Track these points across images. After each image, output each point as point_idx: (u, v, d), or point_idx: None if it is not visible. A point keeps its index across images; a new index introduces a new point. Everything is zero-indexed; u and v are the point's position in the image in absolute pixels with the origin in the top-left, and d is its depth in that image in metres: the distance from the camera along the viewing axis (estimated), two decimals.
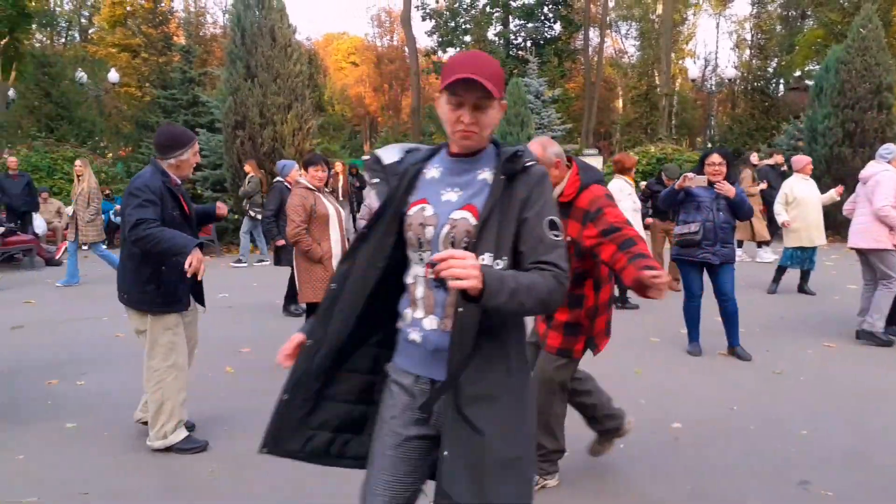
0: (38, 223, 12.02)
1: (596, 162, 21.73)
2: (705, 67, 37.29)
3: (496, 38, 31.18)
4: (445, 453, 1.55)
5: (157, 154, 3.71)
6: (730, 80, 26.48)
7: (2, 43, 28.25)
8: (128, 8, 29.44)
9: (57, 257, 11.29)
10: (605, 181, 2.98)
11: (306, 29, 74.39)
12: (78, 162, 9.11)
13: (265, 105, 12.24)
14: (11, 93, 24.67)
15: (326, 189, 5.35)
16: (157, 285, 3.55)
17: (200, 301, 3.94)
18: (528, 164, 1.66)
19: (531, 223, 1.61)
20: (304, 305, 5.34)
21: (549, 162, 2.85)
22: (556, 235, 1.61)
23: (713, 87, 33.17)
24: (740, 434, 3.98)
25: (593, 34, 33.65)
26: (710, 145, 24.72)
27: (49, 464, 3.62)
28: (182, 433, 3.72)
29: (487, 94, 1.59)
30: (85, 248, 9.56)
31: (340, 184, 13.77)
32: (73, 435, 4.01)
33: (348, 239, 5.36)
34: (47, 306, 7.81)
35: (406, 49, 38.36)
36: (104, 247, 9.27)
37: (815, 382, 4.95)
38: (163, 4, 24.43)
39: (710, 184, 5.26)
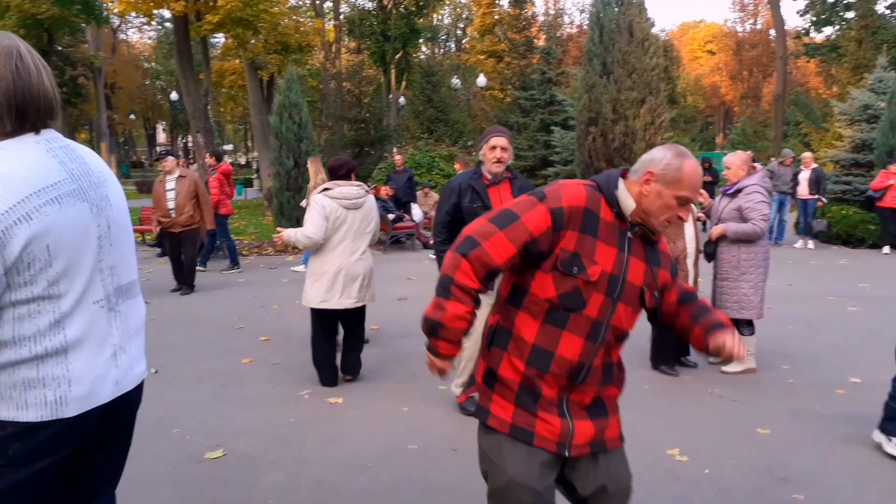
0: (416, 212, 13.90)
1: None
2: None
3: (888, 11, 26.53)
4: None
5: None
6: None
7: (396, 57, 33.30)
8: (496, 17, 32.25)
9: (432, 242, 12.99)
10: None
11: (661, 20, 72.69)
12: (309, 160, 10.28)
13: (618, 101, 12.31)
14: (402, 100, 29.00)
15: None
16: None
17: None
18: None
19: None
20: None
21: None
22: None
23: None
24: None
25: None
26: None
27: (427, 418, 4.24)
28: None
29: None
30: None
31: None
32: (445, 395, 4.62)
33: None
34: (426, 282, 9.06)
35: (772, 32, 34.94)
36: None
37: None
38: (526, 10, 26.09)
39: None
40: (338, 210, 4.68)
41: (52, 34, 27.56)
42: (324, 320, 4.83)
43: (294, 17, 24.38)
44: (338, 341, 5.05)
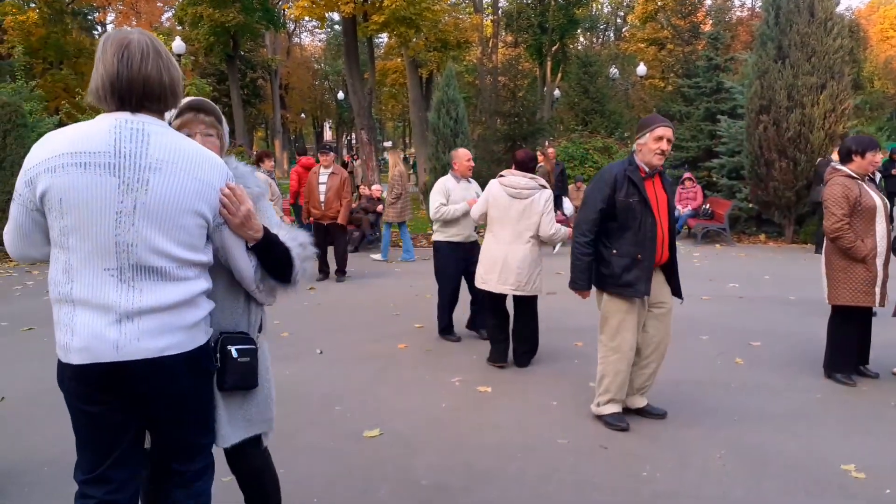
0: (567, 206, 13.68)
1: None
2: None
3: None
4: None
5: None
6: None
7: (553, 49, 32.95)
8: (658, 3, 30.90)
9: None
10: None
11: None
12: (389, 153, 10.42)
13: (795, 86, 11.37)
14: (556, 92, 28.68)
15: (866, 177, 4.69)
16: (606, 266, 3.84)
17: (676, 293, 4.01)
18: None
19: None
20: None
21: None
22: None
23: None
24: None
25: None
26: None
27: (576, 414, 4.19)
28: (612, 408, 3.97)
29: None
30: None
31: None
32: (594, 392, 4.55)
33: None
34: None
35: None
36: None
37: None
38: None
39: None
40: (501, 196, 4.98)
41: (237, 40, 30.25)
42: (490, 301, 5.17)
43: (454, 14, 24.91)
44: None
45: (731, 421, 4.03)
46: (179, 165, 1.84)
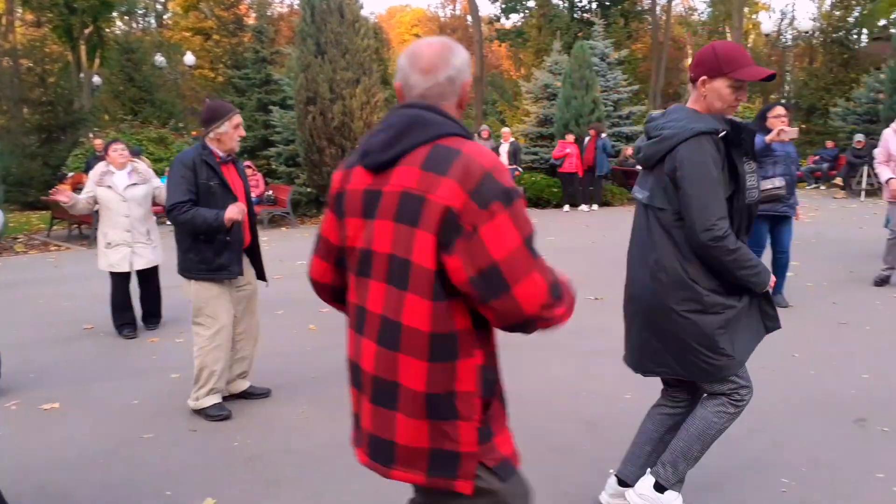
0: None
1: None
2: (781, 21, 35.42)
3: (560, 2, 30.69)
4: None
5: (203, 129, 3.84)
6: (806, 32, 24.98)
7: (86, 32, 29.75)
8: None
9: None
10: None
11: (370, 3, 74.88)
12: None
13: (335, 80, 12.59)
14: (96, 79, 26.07)
15: None
16: (196, 252, 3.71)
17: (260, 276, 4.04)
18: None
19: None
20: None
21: None
22: None
23: (788, 42, 31.62)
24: (800, 378, 4.11)
25: None
26: (783, 101, 23.58)
27: (161, 408, 4.08)
28: (213, 399, 3.86)
29: None
30: None
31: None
32: (178, 385, 4.48)
33: None
34: None
35: (469, 18, 38.18)
36: None
37: (880, 331, 4.98)
38: None
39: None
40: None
41: None
42: (121, 283, 5.68)
43: None
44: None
45: (310, 379, 4.44)
46: None
